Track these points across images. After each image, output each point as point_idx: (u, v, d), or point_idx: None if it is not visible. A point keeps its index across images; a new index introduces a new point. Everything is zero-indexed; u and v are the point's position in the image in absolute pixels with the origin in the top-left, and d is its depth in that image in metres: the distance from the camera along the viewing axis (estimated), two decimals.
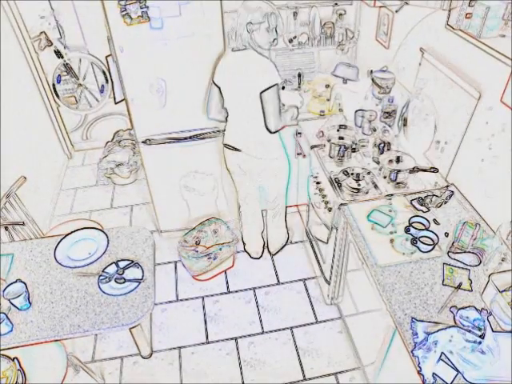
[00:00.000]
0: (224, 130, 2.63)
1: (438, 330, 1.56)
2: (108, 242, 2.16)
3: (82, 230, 2.24)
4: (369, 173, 2.34)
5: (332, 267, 2.52)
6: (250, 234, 3.09)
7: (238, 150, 2.55)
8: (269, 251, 3.17)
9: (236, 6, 2.91)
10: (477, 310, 1.62)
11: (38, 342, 1.76)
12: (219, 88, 2.42)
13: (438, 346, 1.52)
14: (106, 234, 2.20)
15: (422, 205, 2.12)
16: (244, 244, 3.16)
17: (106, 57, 3.67)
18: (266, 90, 2.25)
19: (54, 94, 3.82)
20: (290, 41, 3.08)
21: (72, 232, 2.22)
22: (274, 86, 2.26)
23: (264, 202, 2.89)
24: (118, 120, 4.12)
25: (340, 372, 2.43)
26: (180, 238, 3.01)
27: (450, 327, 1.57)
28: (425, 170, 2.29)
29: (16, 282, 1.87)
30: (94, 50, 3.68)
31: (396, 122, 2.60)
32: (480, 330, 1.53)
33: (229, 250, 2.95)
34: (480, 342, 1.50)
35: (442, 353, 1.50)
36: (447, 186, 2.22)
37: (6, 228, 2.36)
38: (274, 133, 2.44)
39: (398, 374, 1.86)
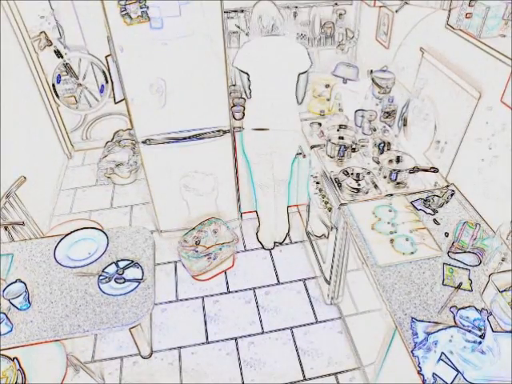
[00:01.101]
0: (241, 117, 2.76)
1: (437, 330, 1.56)
2: (108, 242, 2.16)
3: (81, 229, 2.24)
4: (369, 173, 2.34)
5: (332, 267, 2.52)
6: (265, 223, 3.17)
7: (265, 129, 2.65)
8: (275, 241, 3.24)
9: (236, 5, 2.94)
10: (477, 310, 1.62)
11: (37, 342, 1.76)
12: (247, 73, 2.54)
13: (438, 345, 1.52)
14: (106, 234, 2.20)
15: (426, 206, 2.11)
16: (257, 236, 3.26)
17: (106, 57, 3.66)
18: (304, 72, 2.54)
19: (54, 94, 3.82)
20: None
21: (72, 232, 2.22)
22: (309, 68, 2.56)
23: (275, 186, 3.00)
24: (117, 120, 4.12)
25: (340, 372, 2.43)
26: (180, 238, 3.01)
27: (449, 327, 1.57)
28: (425, 170, 2.29)
29: (16, 282, 1.87)
30: (93, 50, 3.68)
31: (396, 121, 2.60)
32: (480, 330, 1.53)
33: (229, 249, 2.95)
34: (480, 342, 1.50)
35: (442, 353, 1.50)
36: (447, 186, 2.22)
37: (6, 228, 2.36)
38: (300, 103, 2.71)
39: (398, 374, 1.86)
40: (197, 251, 2.89)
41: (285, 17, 2.76)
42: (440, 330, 1.57)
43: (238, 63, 2.54)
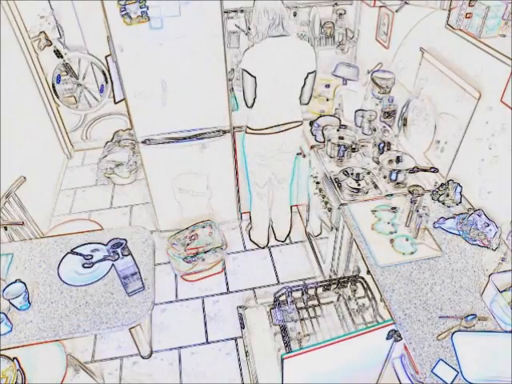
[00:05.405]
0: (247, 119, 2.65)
1: None
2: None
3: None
4: (369, 173, 2.34)
5: (332, 267, 2.52)
6: (258, 226, 3.18)
7: (270, 129, 2.60)
8: (277, 239, 3.26)
9: (236, 5, 2.93)
10: None
11: (37, 342, 1.76)
12: (254, 76, 2.42)
13: None
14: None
15: (442, 202, 2.11)
16: (250, 235, 3.28)
17: (106, 57, 3.66)
18: (312, 72, 2.48)
19: (54, 94, 3.82)
20: None
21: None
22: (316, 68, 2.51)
23: (274, 186, 2.98)
24: (117, 120, 4.12)
25: None
26: (170, 237, 3.00)
27: None
28: (425, 170, 2.29)
29: (15, 282, 1.87)
30: (93, 50, 3.68)
31: (396, 121, 2.60)
32: None
33: (217, 254, 2.92)
34: None
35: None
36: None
37: (6, 228, 2.36)
38: (307, 103, 2.66)
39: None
40: (185, 251, 2.88)
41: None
42: None
43: (245, 65, 2.41)
